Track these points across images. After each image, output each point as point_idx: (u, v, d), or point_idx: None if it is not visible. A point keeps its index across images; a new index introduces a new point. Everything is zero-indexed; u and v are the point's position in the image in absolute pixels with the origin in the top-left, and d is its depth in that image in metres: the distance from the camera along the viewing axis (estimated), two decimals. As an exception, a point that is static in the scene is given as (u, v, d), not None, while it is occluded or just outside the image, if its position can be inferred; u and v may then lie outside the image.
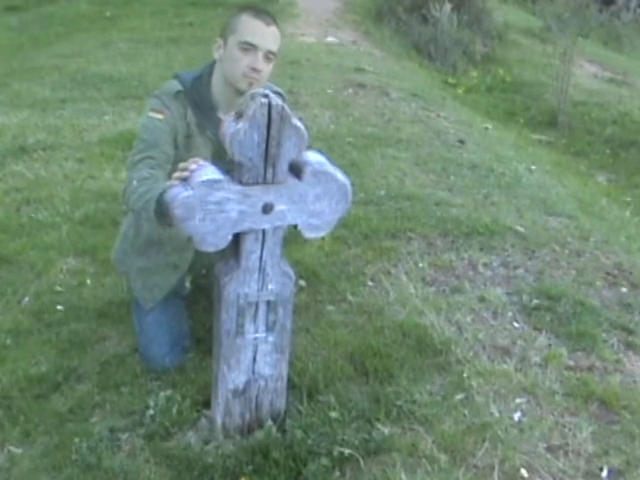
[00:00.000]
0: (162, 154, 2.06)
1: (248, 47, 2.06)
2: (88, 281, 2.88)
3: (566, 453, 1.99)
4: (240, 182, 1.70)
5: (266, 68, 2.10)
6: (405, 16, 10.84)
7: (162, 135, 2.08)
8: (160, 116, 2.10)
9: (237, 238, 1.76)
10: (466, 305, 2.67)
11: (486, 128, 6.30)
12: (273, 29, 2.09)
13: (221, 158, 1.87)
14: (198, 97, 2.16)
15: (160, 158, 2.05)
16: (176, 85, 2.16)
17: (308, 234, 1.82)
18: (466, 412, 2.10)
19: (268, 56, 2.09)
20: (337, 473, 1.87)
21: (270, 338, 1.90)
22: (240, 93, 2.08)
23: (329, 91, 6.04)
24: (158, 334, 2.30)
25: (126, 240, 2.35)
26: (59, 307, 2.69)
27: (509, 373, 2.29)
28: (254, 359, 1.91)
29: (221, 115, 2.15)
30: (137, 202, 1.90)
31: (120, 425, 2.06)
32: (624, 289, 2.93)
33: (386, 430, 2.00)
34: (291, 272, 1.87)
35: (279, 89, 2.24)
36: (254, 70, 2.07)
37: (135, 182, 1.95)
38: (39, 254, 3.08)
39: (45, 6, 11.67)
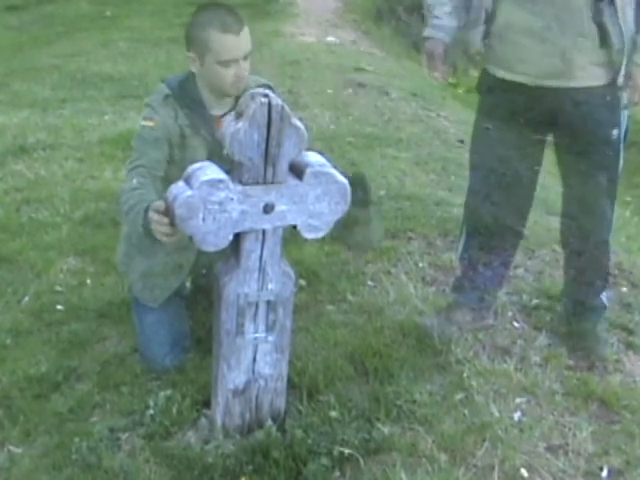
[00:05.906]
0: (154, 162, 2.13)
1: (228, 63, 2.09)
2: (88, 281, 2.88)
3: (566, 453, 1.99)
4: (240, 182, 1.71)
5: (247, 67, 2.14)
6: (405, 16, 10.83)
7: (153, 142, 2.14)
8: (151, 124, 2.16)
9: (237, 238, 1.76)
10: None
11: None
12: (243, 33, 2.09)
13: (217, 157, 1.88)
14: (187, 98, 2.19)
15: (151, 166, 2.12)
16: (164, 89, 2.20)
17: (307, 234, 1.82)
18: (466, 412, 2.10)
19: (246, 58, 2.12)
20: (337, 473, 1.87)
21: (270, 338, 1.90)
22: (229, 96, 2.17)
23: (329, 91, 6.03)
24: (158, 334, 2.30)
25: (128, 242, 2.35)
26: (59, 307, 2.69)
27: (509, 373, 2.29)
28: (254, 359, 1.91)
29: (213, 112, 2.19)
30: (127, 214, 2.01)
31: (120, 425, 2.06)
32: (624, 289, 2.93)
33: (386, 430, 2.00)
34: (291, 272, 1.87)
35: (266, 81, 2.25)
36: (240, 78, 2.11)
37: (126, 193, 2.04)
38: (39, 254, 3.07)
39: (45, 6, 11.64)
